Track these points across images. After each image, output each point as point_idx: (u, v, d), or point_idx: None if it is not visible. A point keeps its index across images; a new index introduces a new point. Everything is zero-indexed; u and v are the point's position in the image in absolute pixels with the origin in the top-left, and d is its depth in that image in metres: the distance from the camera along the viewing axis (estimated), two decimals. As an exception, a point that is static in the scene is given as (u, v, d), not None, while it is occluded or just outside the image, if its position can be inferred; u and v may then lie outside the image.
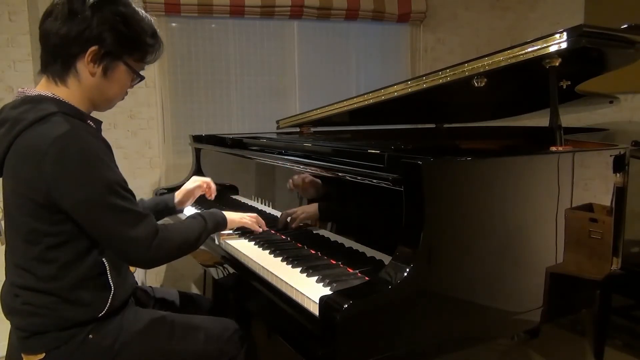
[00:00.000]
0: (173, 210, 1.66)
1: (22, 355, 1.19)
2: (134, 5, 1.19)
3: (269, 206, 1.76)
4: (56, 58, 1.14)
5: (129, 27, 1.16)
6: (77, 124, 1.11)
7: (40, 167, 1.05)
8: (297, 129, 2.46)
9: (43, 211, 1.10)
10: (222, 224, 1.44)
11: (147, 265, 1.21)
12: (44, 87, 1.17)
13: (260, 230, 1.57)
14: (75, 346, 1.16)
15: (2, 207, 2.04)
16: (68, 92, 1.16)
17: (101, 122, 1.25)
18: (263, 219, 1.65)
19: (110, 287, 1.20)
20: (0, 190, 1.19)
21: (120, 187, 1.12)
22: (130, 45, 1.18)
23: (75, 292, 1.15)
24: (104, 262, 1.19)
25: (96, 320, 1.19)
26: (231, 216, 1.48)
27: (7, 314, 1.22)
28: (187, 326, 1.31)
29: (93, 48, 1.13)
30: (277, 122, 2.51)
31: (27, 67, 2.43)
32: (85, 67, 1.14)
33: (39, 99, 1.13)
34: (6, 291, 1.22)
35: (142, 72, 1.25)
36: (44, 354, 1.16)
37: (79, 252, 1.15)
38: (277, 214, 1.68)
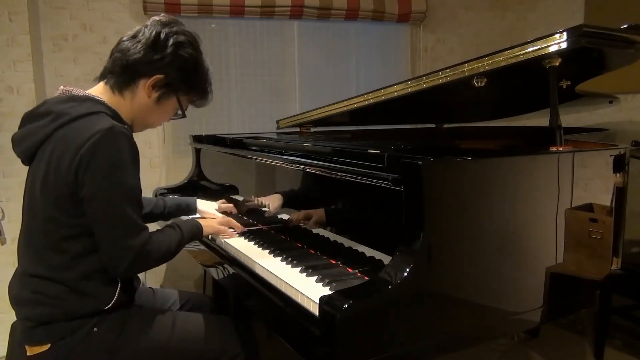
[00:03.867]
0: (193, 212, 1.72)
1: (27, 347, 1.21)
2: (204, 58, 1.36)
3: (270, 209, 1.76)
4: (124, 72, 1.26)
5: (196, 71, 1.33)
6: (118, 124, 1.18)
7: (76, 157, 1.12)
8: (297, 129, 2.46)
9: (66, 201, 1.15)
10: (198, 233, 1.45)
11: (123, 274, 1.21)
12: (97, 92, 1.28)
13: (236, 234, 1.57)
14: (80, 338, 1.19)
15: (1, 208, 2.04)
16: (119, 102, 1.28)
17: (133, 130, 1.33)
18: (263, 220, 1.65)
19: (118, 281, 1.24)
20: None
21: (135, 197, 1.19)
22: (190, 86, 1.34)
23: (84, 283, 1.19)
24: None
25: (102, 312, 1.22)
26: (206, 225, 1.48)
27: (15, 305, 1.25)
28: (189, 324, 1.34)
29: (159, 76, 1.27)
30: (277, 122, 2.51)
31: (27, 67, 2.42)
32: (144, 88, 1.28)
33: (85, 99, 1.23)
34: (16, 280, 1.26)
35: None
36: (49, 345, 1.18)
37: (91, 246, 1.19)
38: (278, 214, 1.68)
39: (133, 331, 1.25)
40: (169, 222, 1.42)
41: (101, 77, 1.30)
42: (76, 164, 1.12)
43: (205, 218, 1.57)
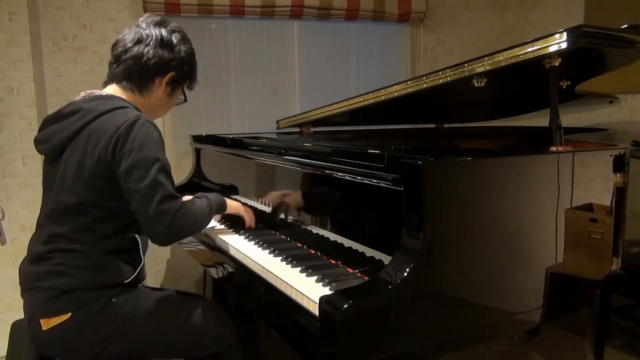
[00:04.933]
0: None
1: (42, 321, 1.25)
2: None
3: (268, 206, 1.76)
4: (142, 74, 1.37)
5: (195, 62, 1.47)
6: (144, 115, 1.31)
7: (112, 139, 1.23)
8: (297, 129, 2.46)
9: (101, 184, 1.25)
10: (224, 206, 1.55)
11: (162, 239, 1.27)
12: (114, 92, 1.38)
13: (251, 225, 1.64)
14: (99, 307, 1.26)
15: (1, 208, 2.04)
16: (137, 100, 1.39)
17: None
18: (262, 219, 1.65)
19: (141, 259, 1.36)
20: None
21: (168, 171, 1.28)
22: (191, 76, 1.48)
23: (107, 259, 1.29)
24: (137, 239, 1.35)
25: (121, 285, 1.31)
26: (230, 202, 1.58)
27: (35, 281, 1.28)
28: (195, 307, 1.41)
29: (172, 73, 1.41)
30: (277, 122, 2.51)
31: (27, 67, 2.42)
32: (160, 86, 1.41)
33: (109, 97, 1.35)
34: (30, 265, 1.30)
35: None
36: (69, 314, 1.25)
37: (119, 227, 1.30)
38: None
39: (145, 306, 1.33)
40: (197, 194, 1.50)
41: (112, 80, 1.40)
42: (112, 144, 1.22)
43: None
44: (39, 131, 1.36)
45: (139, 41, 1.37)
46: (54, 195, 1.30)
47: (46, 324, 1.25)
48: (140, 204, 1.23)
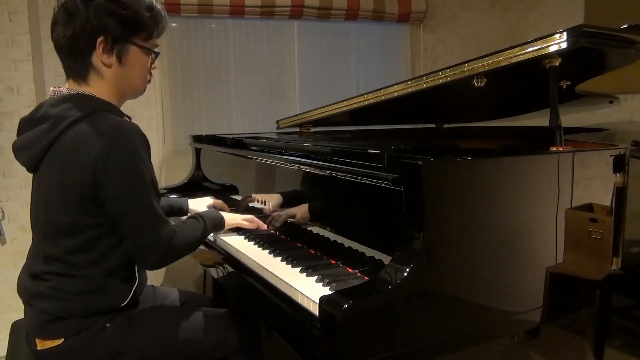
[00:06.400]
0: (185, 213, 1.73)
1: (37, 340, 1.22)
2: None
3: (268, 206, 1.76)
4: (74, 59, 1.19)
5: (125, 8, 1.18)
6: (120, 119, 1.17)
7: (90, 158, 1.11)
8: (297, 129, 2.46)
9: (87, 203, 1.15)
10: (220, 224, 1.51)
11: (154, 266, 1.24)
12: (72, 87, 1.22)
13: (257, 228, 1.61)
14: (93, 334, 1.21)
15: (1, 208, 2.04)
16: (96, 89, 1.22)
17: (130, 117, 1.29)
18: (262, 219, 1.65)
19: (136, 278, 1.27)
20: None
21: (154, 188, 1.19)
22: (133, 26, 1.21)
23: (106, 280, 1.21)
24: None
25: (117, 310, 1.24)
26: (228, 217, 1.55)
27: (31, 299, 1.24)
28: (192, 318, 1.36)
29: (100, 39, 1.17)
30: (277, 122, 2.51)
31: (27, 67, 2.42)
32: (99, 61, 1.19)
33: (79, 97, 1.19)
34: (28, 278, 1.25)
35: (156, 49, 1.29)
36: (62, 340, 1.20)
37: (114, 244, 1.21)
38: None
39: (140, 327, 1.28)
40: (193, 213, 1.47)
41: (66, 75, 1.25)
42: (92, 166, 1.11)
43: (227, 212, 1.61)
44: (17, 134, 1.26)
45: (54, 23, 1.19)
46: (45, 211, 1.21)
47: (41, 344, 1.21)
48: (131, 231, 1.17)
